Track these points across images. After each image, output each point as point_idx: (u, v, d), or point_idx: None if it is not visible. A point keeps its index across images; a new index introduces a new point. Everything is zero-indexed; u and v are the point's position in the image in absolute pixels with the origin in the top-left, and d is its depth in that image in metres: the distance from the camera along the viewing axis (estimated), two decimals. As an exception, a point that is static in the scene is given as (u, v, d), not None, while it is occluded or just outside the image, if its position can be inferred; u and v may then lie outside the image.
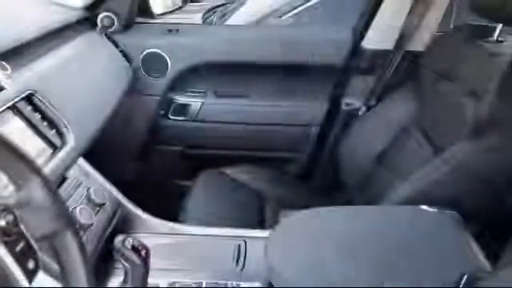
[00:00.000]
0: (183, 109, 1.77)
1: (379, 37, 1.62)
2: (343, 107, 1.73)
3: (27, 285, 0.54)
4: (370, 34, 1.64)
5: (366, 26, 1.64)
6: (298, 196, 1.61)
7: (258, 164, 1.75)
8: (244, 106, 1.77)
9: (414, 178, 1.13)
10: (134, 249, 0.86)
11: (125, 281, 0.89)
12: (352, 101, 1.72)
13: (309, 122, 1.78)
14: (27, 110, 0.99)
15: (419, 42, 1.57)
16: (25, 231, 0.56)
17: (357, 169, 1.57)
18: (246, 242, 1.08)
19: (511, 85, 1.04)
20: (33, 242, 0.57)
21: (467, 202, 1.04)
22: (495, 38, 1.28)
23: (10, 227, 0.54)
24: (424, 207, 1.03)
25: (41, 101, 1.02)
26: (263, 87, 1.76)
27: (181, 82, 1.74)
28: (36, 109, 1.01)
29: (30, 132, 0.98)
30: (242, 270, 1.00)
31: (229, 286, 0.94)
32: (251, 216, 1.42)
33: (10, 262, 0.53)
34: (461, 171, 1.06)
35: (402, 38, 1.57)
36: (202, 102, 1.76)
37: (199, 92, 1.77)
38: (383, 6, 1.58)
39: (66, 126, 1.04)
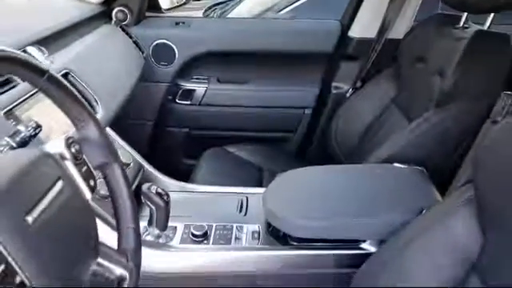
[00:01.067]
0: (189, 94, 1.96)
1: (363, 27, 1.83)
2: (333, 90, 1.93)
3: (90, 195, 0.74)
4: (355, 24, 1.84)
5: (352, 17, 1.84)
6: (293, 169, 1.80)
7: (257, 143, 1.94)
8: (244, 91, 1.96)
9: (389, 143, 1.33)
10: (158, 194, 1.06)
11: (150, 221, 1.09)
12: (340, 84, 1.93)
13: (302, 104, 1.98)
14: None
15: (398, 31, 1.77)
16: (86, 159, 0.76)
17: (345, 144, 1.76)
18: (247, 197, 1.28)
19: (467, 63, 1.25)
20: (92, 168, 0.77)
21: (432, 160, 1.24)
22: (461, 24, 1.47)
23: (78, 154, 0.73)
24: (396, 164, 1.23)
25: (75, 79, 1.22)
26: (261, 74, 1.95)
27: (187, 69, 1.93)
28: (71, 85, 1.21)
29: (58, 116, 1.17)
30: (244, 215, 1.20)
31: (234, 227, 1.14)
32: (251, 184, 1.61)
33: (78, 179, 0.72)
34: (426, 136, 1.27)
35: (383, 28, 1.78)
36: (206, 88, 1.95)
37: (203, 79, 1.96)
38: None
39: (96, 101, 1.23)
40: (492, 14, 1.38)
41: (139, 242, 0.78)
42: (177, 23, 1.90)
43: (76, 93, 0.76)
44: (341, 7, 1.94)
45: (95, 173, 0.77)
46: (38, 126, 0.84)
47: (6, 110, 0.92)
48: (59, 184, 0.65)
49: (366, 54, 1.84)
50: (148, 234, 1.10)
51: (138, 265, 0.76)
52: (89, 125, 0.77)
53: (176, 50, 1.87)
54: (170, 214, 1.10)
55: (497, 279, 0.77)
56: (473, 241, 0.83)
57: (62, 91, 0.73)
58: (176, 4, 2.20)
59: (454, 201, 0.87)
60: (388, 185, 1.13)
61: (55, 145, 0.72)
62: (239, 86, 1.97)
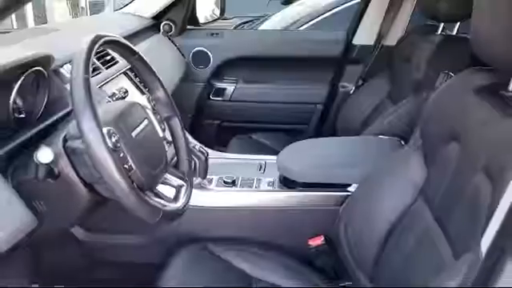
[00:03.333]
0: (221, 92, 2.40)
1: (364, 36, 2.22)
2: (340, 89, 2.34)
3: (162, 134, 1.14)
4: (358, 34, 2.24)
5: (355, 29, 2.24)
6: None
7: (276, 133, 2.33)
8: (266, 89, 2.38)
9: (377, 121, 1.70)
10: (200, 151, 1.45)
11: (194, 170, 1.48)
12: (346, 83, 2.33)
13: (314, 100, 2.38)
14: (131, 75, 1.60)
15: (392, 39, 2.16)
16: (158, 111, 1.17)
17: (349, 132, 2.12)
18: (265, 162, 1.65)
19: (435, 59, 1.61)
20: (162, 118, 1.17)
21: (408, 133, 1.60)
22: (439, 32, 1.84)
23: (154, 107, 1.14)
24: (381, 136, 1.60)
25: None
26: (280, 75, 2.37)
27: (219, 71, 2.37)
28: (136, 76, 1.63)
29: (132, 87, 1.58)
30: (263, 173, 1.58)
31: (255, 179, 1.52)
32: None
33: (155, 122, 1.13)
34: (404, 115, 1.63)
35: (380, 37, 2.17)
36: (235, 87, 2.38)
37: (233, 79, 2.39)
38: (366, 14, 2.18)
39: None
40: (458, 23, 1.74)
41: (191, 168, 1.18)
42: (212, 34, 2.34)
43: (153, 69, 1.17)
44: (347, 21, 2.35)
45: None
46: (126, 91, 1.26)
47: (99, 85, 1.33)
48: (145, 121, 1.06)
49: (367, 58, 2.23)
50: (192, 181, 1.49)
51: (191, 180, 1.15)
52: (160, 90, 1.18)
53: (211, 55, 2.31)
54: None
55: (435, 198, 1.12)
56: (421, 174, 1.18)
57: (145, 66, 1.14)
58: (210, 19, 2.64)
59: (410, 147, 1.24)
60: (369, 148, 1.51)
61: (141, 99, 1.13)
62: (262, 85, 2.39)
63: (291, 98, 2.37)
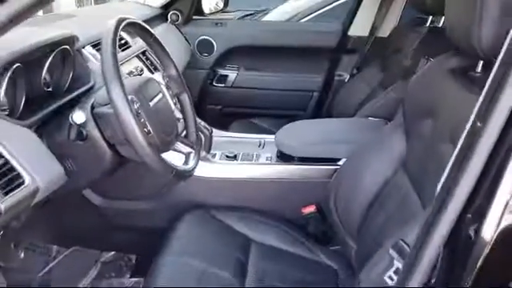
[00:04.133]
0: (223, 78, 2.54)
1: (359, 28, 2.37)
2: (335, 77, 2.49)
3: (174, 107, 1.29)
4: (353, 26, 2.39)
5: (351, 21, 2.40)
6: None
7: (274, 118, 2.48)
8: (265, 76, 2.53)
9: (368, 105, 1.85)
10: (205, 127, 1.61)
11: (201, 145, 1.63)
12: (341, 72, 2.48)
13: (311, 88, 2.53)
14: (143, 58, 1.75)
15: (384, 31, 2.31)
16: (170, 87, 1.31)
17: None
18: (264, 140, 1.80)
19: (421, 48, 1.76)
20: (173, 94, 1.32)
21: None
22: (427, 24, 1.98)
23: (167, 83, 1.29)
24: (370, 118, 1.75)
25: (148, 55, 1.78)
26: (279, 64, 2.52)
27: (223, 59, 2.51)
28: (147, 58, 1.77)
29: (145, 69, 1.73)
30: (262, 148, 1.73)
31: (254, 154, 1.67)
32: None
33: (168, 96, 1.27)
34: (392, 99, 1.78)
35: (374, 29, 2.31)
36: (237, 74, 2.53)
37: (235, 67, 2.54)
38: (361, 7, 2.33)
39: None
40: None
41: (198, 138, 1.33)
42: (216, 24, 2.49)
43: (166, 49, 1.31)
44: (344, 14, 2.50)
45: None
46: (142, 70, 1.41)
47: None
48: (160, 94, 1.21)
49: (361, 49, 2.38)
50: (198, 155, 1.64)
51: (198, 148, 1.30)
52: (172, 68, 1.32)
53: (215, 44, 2.46)
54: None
55: (413, 168, 1.27)
56: (402, 148, 1.32)
57: (159, 46, 1.29)
58: (214, 11, 2.78)
59: (393, 124, 1.39)
60: (358, 127, 1.67)
61: (156, 76, 1.28)
62: (262, 73, 2.54)
63: (290, 86, 2.52)
